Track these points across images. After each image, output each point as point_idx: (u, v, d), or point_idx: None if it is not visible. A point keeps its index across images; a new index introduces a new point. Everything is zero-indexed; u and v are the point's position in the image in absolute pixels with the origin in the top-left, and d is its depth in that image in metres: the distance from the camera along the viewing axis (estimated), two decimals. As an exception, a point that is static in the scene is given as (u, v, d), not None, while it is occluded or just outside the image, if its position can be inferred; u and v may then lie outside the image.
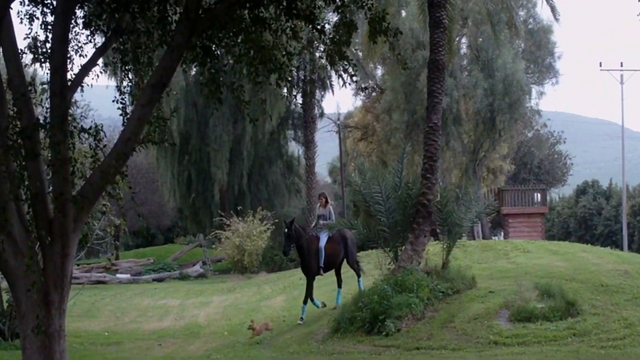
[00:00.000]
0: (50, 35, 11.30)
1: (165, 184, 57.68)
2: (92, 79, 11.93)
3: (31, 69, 33.58)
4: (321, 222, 23.20)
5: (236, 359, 17.93)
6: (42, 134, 11.31)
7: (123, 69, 12.48)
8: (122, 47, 12.29)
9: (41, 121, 10.81)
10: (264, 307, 26.63)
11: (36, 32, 11.55)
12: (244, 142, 55.03)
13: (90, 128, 11.22)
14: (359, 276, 23.62)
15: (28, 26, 11.71)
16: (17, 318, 11.61)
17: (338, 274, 23.68)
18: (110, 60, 13.36)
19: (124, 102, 11.91)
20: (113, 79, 43.32)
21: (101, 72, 12.80)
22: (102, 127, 11.35)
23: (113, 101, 11.96)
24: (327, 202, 23.60)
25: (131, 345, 20.60)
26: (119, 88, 12.30)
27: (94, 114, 50.37)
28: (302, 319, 22.04)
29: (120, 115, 11.66)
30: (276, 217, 47.43)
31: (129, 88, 12.71)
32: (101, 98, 29.57)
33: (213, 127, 54.30)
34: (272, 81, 12.38)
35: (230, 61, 12.88)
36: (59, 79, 11.01)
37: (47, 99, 11.50)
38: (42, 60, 11.40)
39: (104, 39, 12.25)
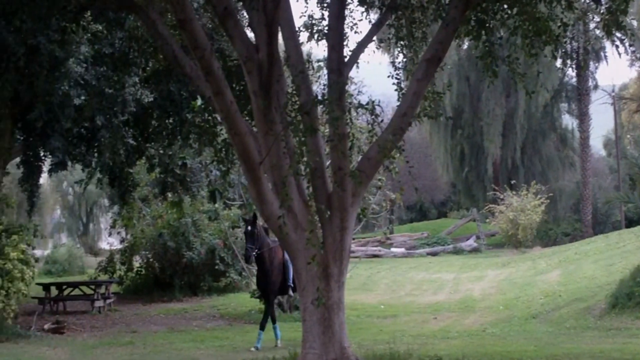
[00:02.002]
0: (326, 13, 11.51)
1: (438, 159, 58.15)
2: (368, 55, 12.09)
3: (307, 47, 34.61)
4: None
5: (512, 333, 17.79)
6: (319, 110, 11.57)
7: (398, 44, 12.55)
8: (396, 22, 12.36)
9: (319, 97, 11.04)
10: (539, 282, 26.12)
11: (312, 10, 11.84)
12: (517, 115, 54.26)
13: (367, 103, 11.35)
14: (274, 322, 16.96)
15: (304, 4, 12.02)
16: (297, 290, 11.96)
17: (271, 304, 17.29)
18: (385, 36, 13.44)
19: (398, 77, 11.96)
20: (386, 55, 43.99)
21: (377, 48, 12.95)
22: (378, 102, 11.44)
23: (388, 77, 12.05)
24: None
25: (407, 318, 20.81)
26: (393, 63, 12.37)
27: (367, 90, 51.28)
28: (257, 348, 16.11)
29: (395, 90, 11.72)
30: (550, 191, 46.54)
31: (403, 63, 12.76)
32: (373, 74, 30.00)
33: (486, 101, 53.88)
34: (547, 53, 12.04)
35: (504, 34, 12.65)
36: (336, 56, 11.24)
37: (323, 75, 11.74)
38: (318, 38, 11.65)
39: (378, 15, 12.36)
